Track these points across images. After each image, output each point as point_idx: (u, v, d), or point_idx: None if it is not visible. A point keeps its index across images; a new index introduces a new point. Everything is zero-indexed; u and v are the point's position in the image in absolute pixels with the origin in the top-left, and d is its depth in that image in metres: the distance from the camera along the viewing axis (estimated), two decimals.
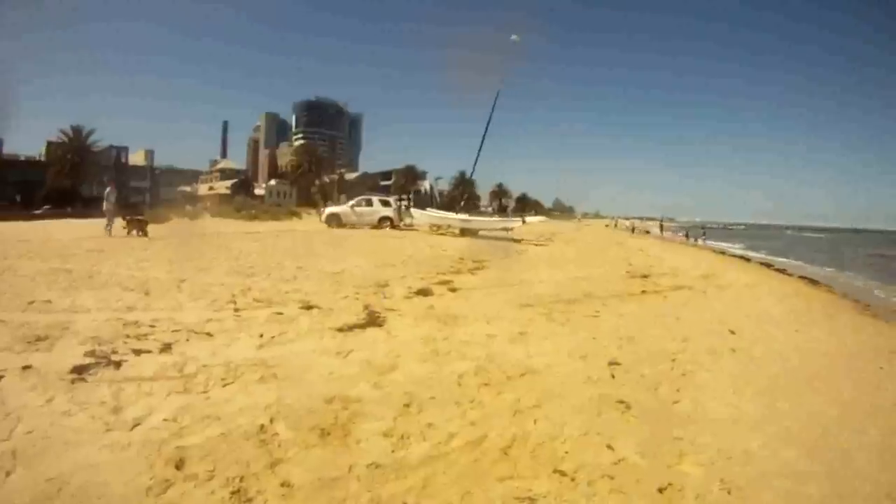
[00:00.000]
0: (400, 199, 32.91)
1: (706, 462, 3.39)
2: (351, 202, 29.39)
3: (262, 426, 3.47)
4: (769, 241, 52.98)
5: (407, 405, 3.99)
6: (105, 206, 18.77)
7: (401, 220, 28.90)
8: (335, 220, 27.38)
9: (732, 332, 7.10)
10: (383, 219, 27.55)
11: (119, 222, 17.91)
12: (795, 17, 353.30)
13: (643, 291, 10.49)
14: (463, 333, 6.18)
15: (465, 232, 26.28)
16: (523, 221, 30.65)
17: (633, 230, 53.89)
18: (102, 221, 18.21)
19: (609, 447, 3.50)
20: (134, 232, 17.77)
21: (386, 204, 28.83)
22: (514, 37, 28.79)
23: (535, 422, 3.84)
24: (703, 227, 50.33)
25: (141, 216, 20.49)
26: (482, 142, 30.24)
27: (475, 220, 29.16)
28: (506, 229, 28.29)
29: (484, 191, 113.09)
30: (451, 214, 29.78)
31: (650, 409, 4.24)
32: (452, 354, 5.34)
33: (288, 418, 3.62)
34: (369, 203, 28.71)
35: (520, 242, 24.82)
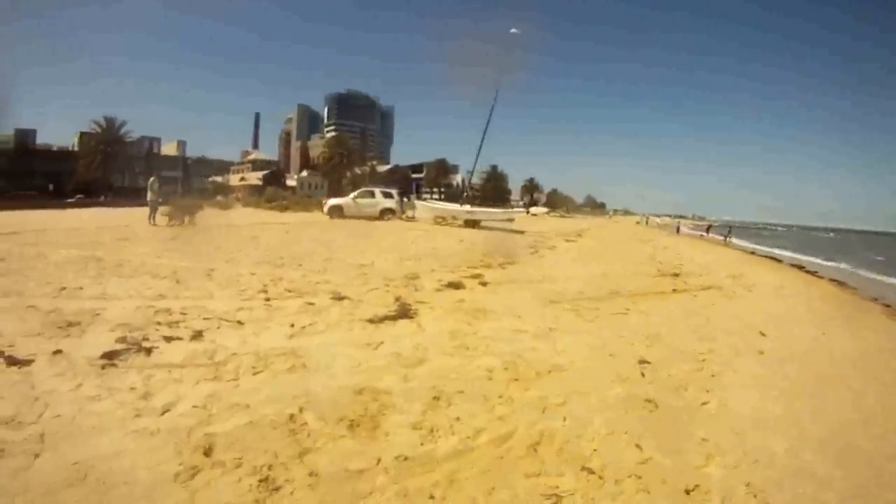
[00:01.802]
0: (401, 191, 33.59)
1: (732, 464, 3.34)
2: (353, 194, 29.73)
3: (291, 416, 3.47)
4: (779, 241, 51.79)
5: (436, 398, 3.97)
6: (149, 195, 19.24)
7: (403, 211, 29.27)
8: (337, 212, 27.65)
9: (763, 335, 6.96)
10: (385, 210, 27.89)
11: (163, 210, 18.43)
12: (810, 20, 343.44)
13: (674, 290, 10.36)
14: (492, 328, 6.15)
15: (468, 223, 27.00)
16: (528, 212, 30.75)
17: (677, 230, 52.97)
18: (133, 211, 18.64)
19: (637, 446, 3.45)
20: (180, 220, 18.19)
21: (388, 196, 29.14)
22: (513, 30, 29.64)
23: (563, 419, 3.80)
24: (728, 227, 49.38)
25: (192, 200, 21.01)
26: (483, 138, 31.13)
27: (478, 212, 29.72)
28: (509, 220, 29.16)
29: (515, 185, 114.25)
30: (456, 206, 30.38)
31: (678, 408, 4.19)
32: (481, 349, 5.31)
33: (317, 408, 3.63)
34: (371, 195, 29.04)
35: (523, 234, 25.24)
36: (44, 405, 3.39)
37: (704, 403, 4.35)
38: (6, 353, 4.18)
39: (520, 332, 6.03)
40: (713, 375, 5.08)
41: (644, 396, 4.33)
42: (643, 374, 4.92)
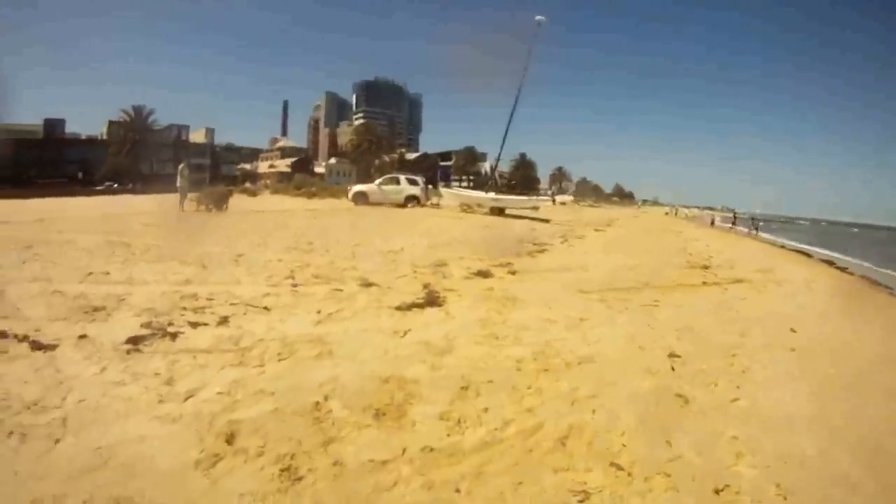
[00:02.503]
0: (426, 179, 33.60)
1: (762, 464, 3.23)
2: (378, 180, 29.98)
3: (316, 403, 3.45)
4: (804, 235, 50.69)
5: (464, 388, 3.92)
6: (179, 182, 19.70)
7: (428, 198, 29.53)
8: (362, 198, 27.91)
9: (793, 331, 6.74)
10: (410, 197, 28.09)
11: (191, 197, 18.79)
12: (850, 18, 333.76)
13: (703, 283, 10.18)
14: (521, 317, 6.07)
15: (494, 210, 26.99)
16: (553, 201, 30.78)
17: (712, 223, 52.44)
18: (162, 197, 19.03)
19: (667, 443, 3.37)
20: (208, 207, 18.51)
21: (413, 183, 29.34)
22: (538, 17, 28.74)
23: (592, 412, 3.72)
24: (753, 219, 48.60)
25: (220, 187, 21.41)
26: (508, 125, 30.81)
27: (504, 199, 29.75)
28: (534, 207, 29.07)
29: (544, 174, 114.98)
30: (481, 193, 30.54)
31: (708, 404, 4.08)
32: (510, 338, 5.23)
33: (342, 397, 3.59)
34: (396, 181, 29.29)
35: (548, 222, 25.08)
36: (67, 389, 3.41)
37: (735, 400, 4.24)
38: (31, 338, 4.23)
39: (549, 322, 5.95)
40: (744, 371, 4.96)
41: (674, 391, 4.25)
42: (673, 368, 4.81)
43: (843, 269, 19.13)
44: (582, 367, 4.60)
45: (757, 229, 41.99)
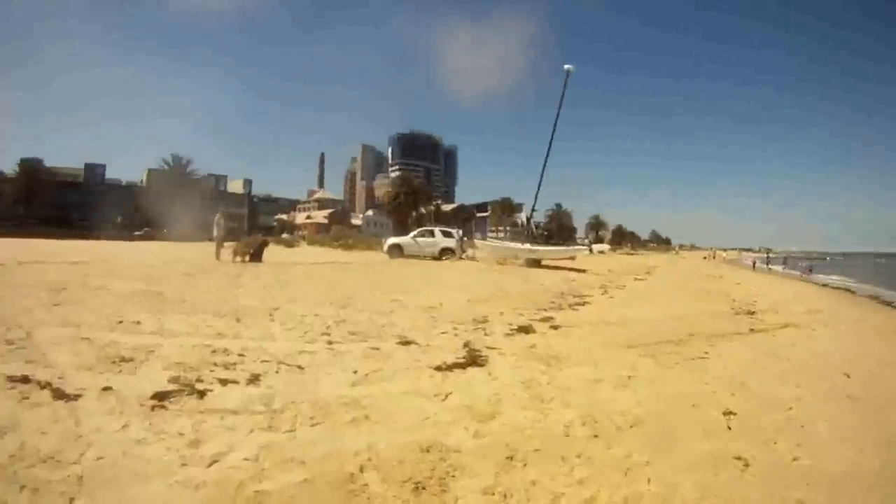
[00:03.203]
0: (462, 230, 35.23)
1: None
2: (413, 233, 30.80)
3: (350, 475, 3.24)
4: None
5: (510, 458, 3.67)
6: (215, 231, 20.14)
7: (463, 251, 29.78)
8: (397, 251, 28.53)
9: (847, 376, 6.50)
10: (445, 250, 28.48)
11: (228, 246, 19.18)
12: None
13: (751, 330, 9.89)
14: (566, 377, 5.82)
15: (530, 262, 26.86)
16: (590, 251, 30.79)
17: (753, 265, 52.43)
18: (198, 246, 19.41)
19: None
20: (245, 257, 18.81)
21: (448, 235, 29.85)
22: (567, 66, 29.25)
23: (647, 481, 3.45)
24: (785, 257, 48.41)
25: (257, 237, 21.87)
26: (542, 174, 30.80)
27: (540, 250, 29.82)
28: (571, 258, 29.70)
29: (580, 222, 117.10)
30: (517, 244, 30.65)
31: (769, 465, 3.82)
32: (557, 401, 4.97)
33: (379, 467, 3.38)
34: (431, 234, 29.95)
35: (585, 272, 25.01)
36: (86, 444, 3.31)
37: (796, 459, 3.97)
38: (54, 386, 4.18)
39: (597, 382, 5.69)
40: (802, 426, 4.69)
41: (733, 453, 3.98)
42: (729, 427, 4.54)
43: (889, 304, 19.32)
44: (634, 431, 4.35)
45: (811, 270, 41.54)
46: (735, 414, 4.85)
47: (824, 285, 29.44)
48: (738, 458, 3.88)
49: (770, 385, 5.97)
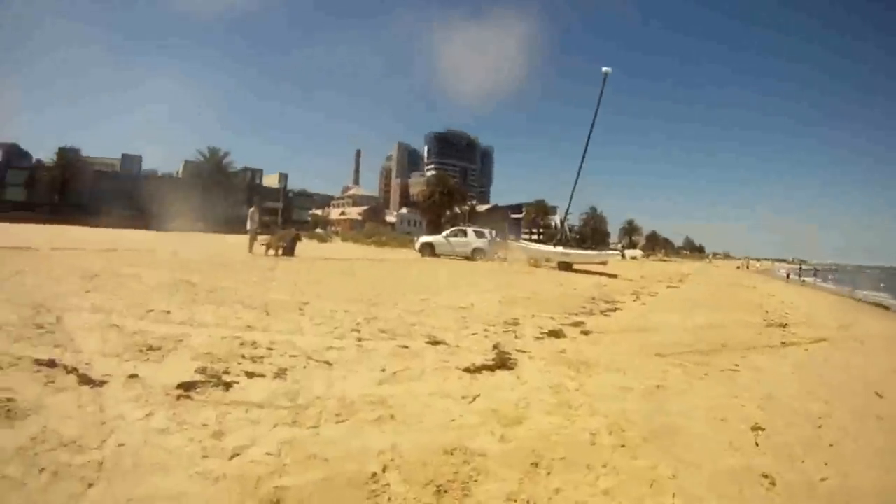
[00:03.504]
0: (495, 231, 34.89)
1: None
2: (445, 232, 31.08)
3: (372, 474, 3.20)
4: None
5: (534, 465, 3.58)
6: (249, 224, 20.49)
7: (495, 252, 30.06)
8: (428, 250, 28.86)
9: (879, 396, 6.29)
10: (477, 250, 28.63)
11: (261, 240, 19.47)
12: None
13: (782, 343, 9.61)
14: (595, 383, 5.71)
15: (561, 265, 26.98)
16: (622, 256, 30.55)
17: (787, 276, 51.70)
18: (232, 238, 19.71)
19: None
20: (277, 251, 19.04)
21: (481, 235, 29.99)
22: (605, 69, 29.09)
23: (672, 496, 3.35)
24: (815, 269, 47.20)
25: (291, 231, 22.15)
26: (577, 176, 30.75)
27: (573, 254, 29.63)
28: (603, 262, 29.13)
29: (614, 227, 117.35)
30: (550, 248, 30.57)
31: (796, 485, 3.69)
32: (584, 408, 4.86)
33: (402, 468, 3.33)
34: (463, 234, 30.19)
35: (615, 278, 24.82)
36: (109, 431, 3.32)
37: (824, 479, 3.83)
38: (81, 371, 4.22)
39: (625, 390, 5.57)
40: (831, 445, 4.53)
41: (759, 470, 3.84)
42: (757, 443, 4.40)
43: None
44: (660, 442, 4.23)
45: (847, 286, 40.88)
46: (763, 429, 4.72)
47: (858, 300, 28.80)
48: (765, 476, 3.77)
49: (800, 400, 5.84)
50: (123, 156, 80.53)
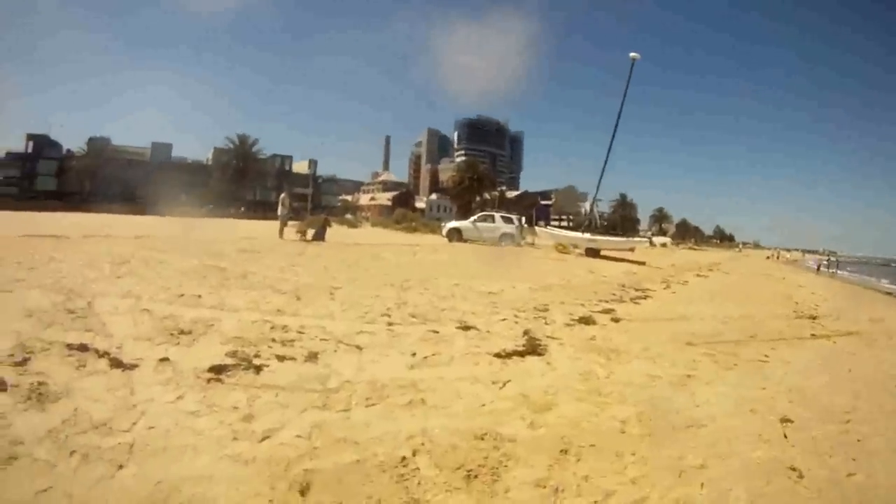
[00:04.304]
0: (525, 217, 35.45)
1: None
2: (473, 217, 31.10)
3: (402, 458, 3.20)
4: None
5: (564, 451, 3.57)
6: (279, 210, 20.89)
7: (523, 237, 29.87)
8: (456, 235, 28.86)
9: None
10: (505, 235, 28.54)
11: (292, 225, 19.74)
12: None
13: (812, 335, 9.44)
14: (624, 371, 5.67)
15: (589, 251, 26.89)
16: (650, 243, 30.29)
17: (818, 268, 50.69)
18: (262, 224, 20.04)
19: None
20: (308, 236, 19.26)
21: (508, 221, 29.91)
22: (632, 54, 29.06)
23: (700, 485, 3.32)
24: (837, 260, 45.88)
25: (321, 217, 22.41)
26: (605, 162, 30.97)
27: (600, 240, 29.46)
28: (631, 249, 29.33)
29: (645, 215, 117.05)
30: (577, 234, 30.44)
31: (823, 479, 3.61)
32: (614, 395, 4.83)
33: (432, 452, 3.33)
34: (491, 219, 30.14)
35: (643, 265, 24.79)
36: (139, 413, 3.38)
37: (851, 475, 3.75)
38: (112, 355, 4.29)
39: (654, 378, 5.53)
40: (859, 440, 4.43)
41: (787, 463, 3.79)
42: (786, 436, 4.33)
43: None
44: (689, 432, 4.19)
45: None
46: (792, 422, 4.65)
47: (888, 293, 28.25)
48: (793, 469, 3.72)
49: (829, 394, 5.74)
50: (153, 144, 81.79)
